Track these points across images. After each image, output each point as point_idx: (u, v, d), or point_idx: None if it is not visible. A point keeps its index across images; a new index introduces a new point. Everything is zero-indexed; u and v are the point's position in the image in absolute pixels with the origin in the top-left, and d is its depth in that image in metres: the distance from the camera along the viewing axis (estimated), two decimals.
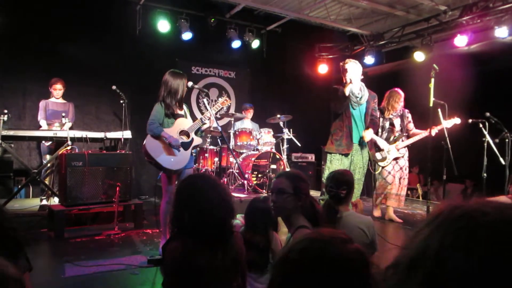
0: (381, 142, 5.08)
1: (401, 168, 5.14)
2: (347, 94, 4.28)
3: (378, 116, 4.82)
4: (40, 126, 5.34)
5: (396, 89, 5.15)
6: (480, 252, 0.52)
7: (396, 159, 5.10)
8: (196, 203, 1.70)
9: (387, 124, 5.17)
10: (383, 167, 5.14)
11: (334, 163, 4.39)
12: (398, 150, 5.05)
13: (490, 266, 0.51)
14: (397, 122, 5.15)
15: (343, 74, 4.41)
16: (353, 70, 4.35)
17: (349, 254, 0.81)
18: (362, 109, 4.46)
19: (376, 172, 5.18)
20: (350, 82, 4.27)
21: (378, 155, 5.09)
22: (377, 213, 5.49)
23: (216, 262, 1.67)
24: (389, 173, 5.15)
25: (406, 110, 5.21)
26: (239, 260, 1.77)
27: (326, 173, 4.50)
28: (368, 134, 4.42)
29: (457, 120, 4.78)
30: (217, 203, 1.70)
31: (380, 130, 5.12)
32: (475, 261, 0.52)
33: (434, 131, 4.75)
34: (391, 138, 5.12)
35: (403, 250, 0.63)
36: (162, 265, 1.82)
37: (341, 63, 4.49)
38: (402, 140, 5.09)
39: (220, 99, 4.11)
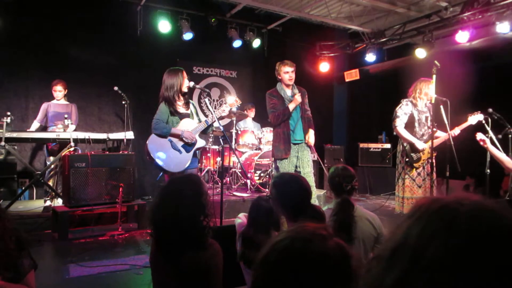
0: (419, 144, 4.56)
1: (430, 169, 4.60)
2: (291, 110, 4.40)
3: (410, 109, 4.62)
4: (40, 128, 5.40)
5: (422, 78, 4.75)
6: (456, 239, 0.56)
7: (428, 159, 4.60)
8: (165, 207, 1.69)
9: (423, 118, 4.65)
10: (416, 169, 4.66)
11: (283, 166, 4.46)
12: (430, 149, 4.44)
13: (465, 253, 0.55)
14: (428, 115, 4.63)
15: (278, 75, 4.56)
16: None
17: (330, 250, 0.81)
18: (297, 109, 4.54)
19: (410, 174, 4.68)
20: (295, 100, 4.41)
21: (414, 156, 4.61)
22: None
23: (178, 269, 1.65)
24: (419, 174, 4.67)
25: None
26: (207, 271, 1.72)
27: None
28: (311, 138, 4.56)
29: (480, 116, 4.53)
30: (186, 209, 1.67)
31: (417, 124, 4.64)
32: (451, 248, 0.55)
33: (456, 131, 4.52)
34: (426, 135, 4.62)
35: (385, 242, 0.65)
36: None
37: (278, 66, 4.61)
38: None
39: (230, 98, 4.11)
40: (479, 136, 4.08)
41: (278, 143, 4.50)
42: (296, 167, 4.50)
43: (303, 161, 4.51)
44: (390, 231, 0.66)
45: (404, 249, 0.59)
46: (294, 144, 4.49)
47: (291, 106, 4.40)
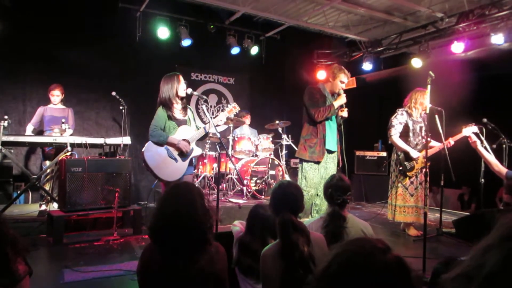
0: (414, 153, 4.63)
1: (423, 179, 4.61)
2: (336, 107, 4.26)
3: (405, 119, 4.68)
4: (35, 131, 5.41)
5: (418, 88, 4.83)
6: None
7: (421, 168, 4.63)
8: (166, 211, 1.74)
9: (417, 128, 4.73)
10: (409, 177, 4.70)
11: (311, 172, 4.30)
12: (424, 158, 4.34)
13: None
14: (423, 125, 4.72)
15: (332, 78, 4.39)
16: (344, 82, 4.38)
17: (391, 264, 0.82)
18: (333, 117, 4.43)
19: (403, 183, 4.72)
20: (341, 97, 4.28)
21: (407, 165, 4.65)
22: (413, 231, 4.82)
23: (179, 271, 1.67)
24: (412, 183, 4.70)
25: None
26: (211, 273, 1.74)
27: (303, 183, 4.34)
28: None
29: (474, 128, 4.60)
30: (186, 214, 1.70)
31: (411, 134, 4.70)
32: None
33: (451, 142, 4.60)
34: (420, 145, 4.69)
35: (473, 262, 0.66)
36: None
37: (337, 70, 4.39)
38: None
39: (229, 105, 4.11)
40: (472, 137, 4.38)
41: (314, 144, 4.26)
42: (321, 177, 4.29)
43: (329, 174, 4.24)
44: (475, 250, 0.66)
45: (507, 276, 0.61)
46: (326, 151, 4.31)
47: (337, 103, 4.23)
